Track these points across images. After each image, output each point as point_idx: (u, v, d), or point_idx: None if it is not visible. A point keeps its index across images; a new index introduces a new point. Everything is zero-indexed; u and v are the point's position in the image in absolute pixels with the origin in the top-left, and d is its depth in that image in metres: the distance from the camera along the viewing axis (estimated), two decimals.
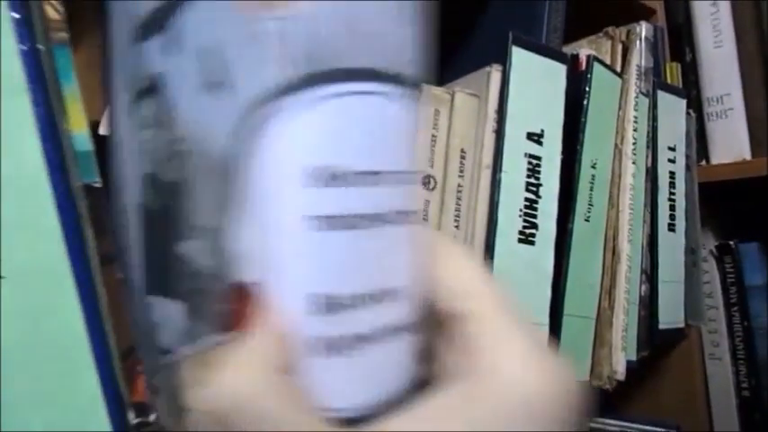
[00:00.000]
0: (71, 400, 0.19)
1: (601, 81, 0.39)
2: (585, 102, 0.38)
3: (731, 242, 0.67)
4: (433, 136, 0.35)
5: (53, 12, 0.22)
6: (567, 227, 0.38)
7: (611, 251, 0.41)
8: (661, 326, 0.48)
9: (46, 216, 0.19)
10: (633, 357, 0.44)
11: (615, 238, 0.41)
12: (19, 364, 0.18)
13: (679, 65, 0.60)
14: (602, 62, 0.39)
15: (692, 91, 0.63)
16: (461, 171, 0.35)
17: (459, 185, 0.35)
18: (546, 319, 0.36)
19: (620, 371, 0.41)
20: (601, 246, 0.41)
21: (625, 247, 0.41)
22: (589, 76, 0.38)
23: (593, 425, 0.52)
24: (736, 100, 0.62)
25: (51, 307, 0.19)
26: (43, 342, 0.19)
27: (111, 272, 0.20)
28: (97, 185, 0.21)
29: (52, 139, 0.20)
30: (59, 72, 0.21)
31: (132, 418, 0.20)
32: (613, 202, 0.41)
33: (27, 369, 0.19)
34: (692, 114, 0.55)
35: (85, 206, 0.20)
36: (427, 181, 0.35)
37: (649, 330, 0.48)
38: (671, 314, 0.50)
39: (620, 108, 0.40)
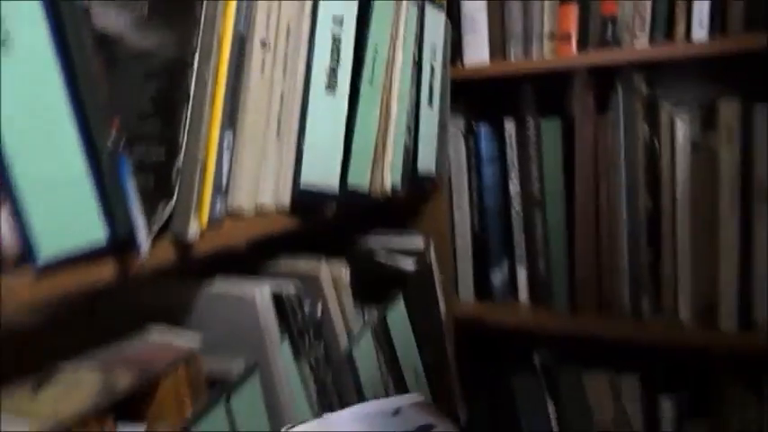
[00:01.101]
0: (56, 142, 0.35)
1: None
2: (372, 3, 0.58)
3: (473, 123, 0.94)
4: (269, 15, 0.53)
5: None
6: (357, 86, 0.59)
7: (386, 108, 0.63)
8: (419, 172, 0.72)
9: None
10: (398, 186, 0.66)
11: (389, 100, 0.63)
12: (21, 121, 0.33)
13: None
14: None
15: (453, 8, 0.87)
16: (288, 39, 0.54)
17: (286, 49, 0.54)
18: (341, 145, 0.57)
19: (387, 188, 0.64)
20: (378, 104, 0.62)
21: (395, 108, 0.63)
22: None
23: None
24: (482, 20, 0.88)
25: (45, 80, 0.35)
26: (39, 105, 0.34)
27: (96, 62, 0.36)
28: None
29: None
30: None
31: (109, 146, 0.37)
32: (388, 76, 0.63)
33: (25, 123, 0.33)
34: (450, 25, 0.78)
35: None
36: (265, 45, 0.54)
37: (411, 172, 0.70)
38: (426, 164, 0.74)
39: (396, 11, 0.61)
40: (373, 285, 0.69)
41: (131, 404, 0.40)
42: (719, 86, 0.86)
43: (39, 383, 0.38)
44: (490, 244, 0.97)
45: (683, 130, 0.81)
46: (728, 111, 0.78)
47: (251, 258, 0.56)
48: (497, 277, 0.97)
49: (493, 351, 1.01)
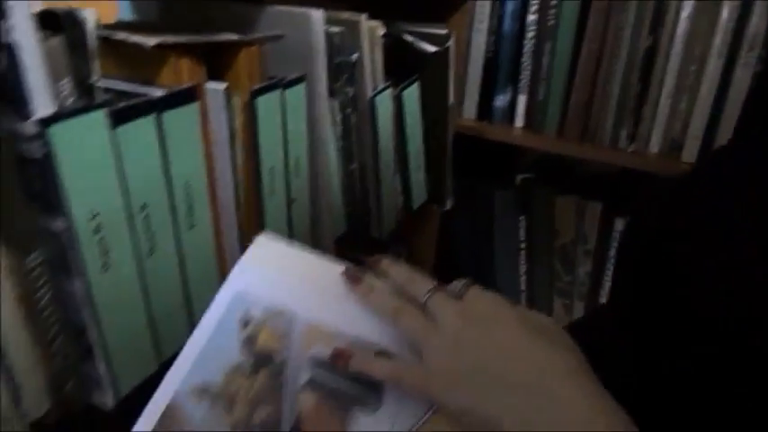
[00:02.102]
0: None
1: None
2: None
3: None
4: None
5: None
6: None
7: None
8: None
9: None
10: None
11: None
12: None
13: None
14: None
15: None
16: None
17: None
18: None
19: None
20: None
21: None
22: None
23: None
24: None
25: None
26: None
27: None
28: None
29: None
30: None
31: None
32: None
33: None
34: None
35: None
36: None
37: None
38: None
39: None
40: (395, 68, 0.79)
41: (214, 73, 0.51)
42: None
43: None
44: (499, 70, 1.06)
45: None
46: None
47: None
48: (500, 101, 1.07)
49: (482, 168, 1.15)
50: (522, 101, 1.06)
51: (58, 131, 0.34)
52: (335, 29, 0.63)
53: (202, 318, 0.40)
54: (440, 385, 0.32)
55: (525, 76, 1.04)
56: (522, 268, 1.15)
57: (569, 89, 1.01)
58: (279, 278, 0.40)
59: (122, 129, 0.39)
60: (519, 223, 1.13)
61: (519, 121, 1.07)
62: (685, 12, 0.89)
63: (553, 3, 0.98)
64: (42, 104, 0.34)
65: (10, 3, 0.30)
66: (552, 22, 0.99)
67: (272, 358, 0.38)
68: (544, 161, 1.16)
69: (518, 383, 0.30)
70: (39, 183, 0.35)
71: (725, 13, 0.87)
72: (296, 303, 0.39)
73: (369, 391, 0.37)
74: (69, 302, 0.40)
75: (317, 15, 0.58)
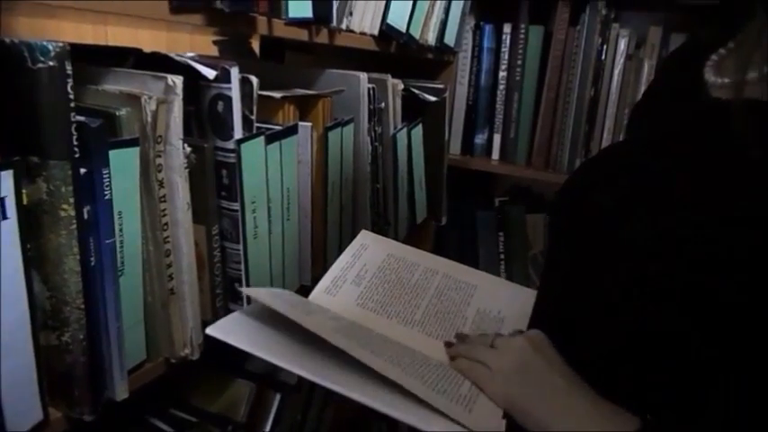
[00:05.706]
0: None
1: None
2: None
3: (481, 23, 1.28)
4: None
5: None
6: None
7: None
8: (445, 40, 1.07)
9: None
10: (433, 42, 1.01)
11: None
12: None
13: None
14: None
15: None
16: None
17: None
18: None
19: (430, 41, 0.99)
20: None
21: None
22: None
23: None
24: None
25: None
26: None
27: None
28: None
29: None
30: None
31: None
32: None
33: None
34: None
35: None
36: None
37: (441, 38, 1.06)
38: (450, 37, 1.09)
39: None
40: (407, 113, 1.05)
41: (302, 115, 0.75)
42: (653, 16, 1.22)
43: None
44: (477, 115, 1.33)
45: (623, 45, 1.18)
46: (654, 35, 1.15)
47: None
48: (479, 139, 1.34)
49: (466, 193, 1.40)
50: (497, 139, 1.33)
51: (244, 147, 0.57)
52: (371, 85, 0.88)
53: None
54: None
55: (499, 119, 1.32)
56: (503, 275, 1.39)
57: (534, 129, 1.28)
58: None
59: (268, 148, 0.63)
60: (498, 238, 1.38)
61: (495, 155, 1.34)
62: (617, 69, 1.19)
63: (519, 62, 1.26)
64: (237, 131, 0.57)
65: (231, 73, 0.54)
66: (518, 77, 1.27)
67: None
68: (516, 186, 1.42)
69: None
70: (228, 179, 0.58)
71: (646, 67, 1.16)
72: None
73: None
74: (231, 259, 0.62)
75: (364, 76, 0.83)
